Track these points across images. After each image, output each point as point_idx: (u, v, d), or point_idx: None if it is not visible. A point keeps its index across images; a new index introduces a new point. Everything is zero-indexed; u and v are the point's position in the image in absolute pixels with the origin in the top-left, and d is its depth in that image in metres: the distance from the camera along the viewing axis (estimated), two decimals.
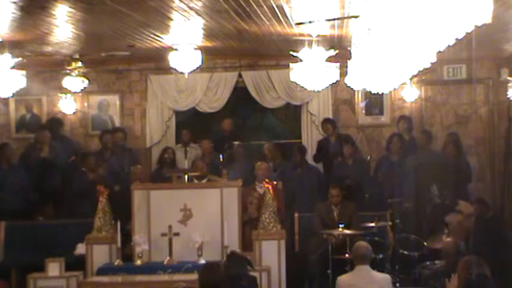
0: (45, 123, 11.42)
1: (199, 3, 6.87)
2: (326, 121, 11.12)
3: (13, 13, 6.94)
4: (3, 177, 9.99)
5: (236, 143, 10.81)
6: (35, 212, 10.16)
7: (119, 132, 11.32)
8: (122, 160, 10.68)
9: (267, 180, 8.29)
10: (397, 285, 8.19)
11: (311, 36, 8.30)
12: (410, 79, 10.10)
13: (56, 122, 11.35)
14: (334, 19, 7.54)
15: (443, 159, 10.06)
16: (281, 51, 10.01)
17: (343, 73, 8.24)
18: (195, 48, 8.93)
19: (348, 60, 7.39)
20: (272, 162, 10.30)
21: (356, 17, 6.69)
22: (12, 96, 9.38)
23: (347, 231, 8.47)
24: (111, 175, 10.35)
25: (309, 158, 10.93)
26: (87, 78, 10.98)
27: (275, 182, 8.40)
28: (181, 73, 9.18)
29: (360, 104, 11.65)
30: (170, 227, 7.78)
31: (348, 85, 8.17)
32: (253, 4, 6.93)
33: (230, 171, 9.81)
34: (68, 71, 10.74)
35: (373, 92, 7.41)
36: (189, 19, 7.60)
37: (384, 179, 10.14)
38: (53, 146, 10.66)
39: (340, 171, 10.36)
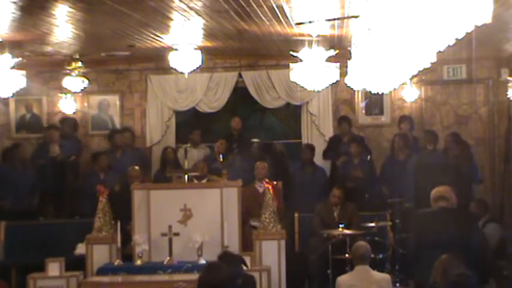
0: (58, 122, 11.44)
1: (199, 3, 6.87)
2: (343, 119, 11.12)
3: (13, 13, 6.94)
4: (17, 178, 10.00)
5: (255, 140, 10.78)
6: (36, 212, 10.18)
7: (127, 132, 11.36)
8: (132, 160, 10.65)
9: (267, 180, 8.30)
10: (397, 285, 8.19)
11: (311, 36, 8.29)
12: (410, 79, 10.09)
13: (69, 122, 11.39)
14: (334, 19, 7.54)
15: (445, 159, 10.04)
16: (281, 51, 10.01)
17: (343, 73, 8.23)
18: (195, 48, 8.93)
19: (348, 60, 7.39)
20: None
21: (356, 17, 6.69)
22: (12, 96, 9.37)
23: (347, 231, 8.47)
24: (121, 174, 10.35)
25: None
26: (87, 78, 10.97)
27: (275, 182, 8.40)
28: (181, 73, 9.16)
29: (360, 104, 11.65)
30: (170, 227, 7.78)
31: (348, 85, 8.16)
32: (253, 4, 6.93)
33: (231, 171, 9.82)
34: (68, 71, 10.73)
35: (373, 92, 7.40)
36: (189, 19, 7.60)
37: (389, 181, 10.10)
38: (62, 145, 10.70)
39: (346, 169, 10.34)
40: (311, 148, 10.74)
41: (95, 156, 10.65)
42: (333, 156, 10.92)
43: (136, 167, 9.80)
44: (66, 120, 11.49)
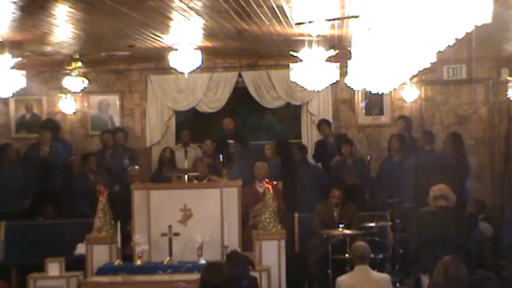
0: (42, 123, 11.41)
1: (199, 3, 6.87)
2: (322, 122, 11.12)
3: (13, 13, 6.94)
4: (4, 178, 9.99)
5: (231, 141, 10.77)
6: (35, 212, 10.16)
7: (119, 131, 11.35)
8: (122, 160, 10.68)
9: (267, 180, 8.29)
10: (397, 285, 8.19)
11: (311, 36, 8.30)
12: (410, 79, 10.10)
13: (52, 124, 11.35)
14: (334, 19, 7.54)
15: (444, 158, 10.04)
16: (281, 51, 10.02)
17: (343, 73, 8.24)
18: (195, 48, 8.94)
19: (348, 60, 7.39)
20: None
21: (356, 17, 6.69)
22: (12, 96, 9.38)
23: (347, 231, 8.46)
24: (112, 175, 10.37)
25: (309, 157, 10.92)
26: (87, 78, 10.98)
27: (275, 182, 8.40)
28: (181, 73, 9.18)
29: (360, 104, 11.65)
30: (170, 227, 7.77)
31: (348, 85, 8.17)
32: (253, 4, 6.94)
33: (230, 171, 9.82)
34: (68, 71, 10.74)
35: (373, 92, 7.41)
36: (189, 19, 7.61)
37: (386, 181, 10.10)
38: (53, 146, 10.67)
39: (339, 170, 10.35)
40: (301, 148, 10.72)
41: (85, 157, 10.61)
42: (322, 159, 10.90)
43: (137, 167, 9.80)
44: (47, 122, 11.43)
